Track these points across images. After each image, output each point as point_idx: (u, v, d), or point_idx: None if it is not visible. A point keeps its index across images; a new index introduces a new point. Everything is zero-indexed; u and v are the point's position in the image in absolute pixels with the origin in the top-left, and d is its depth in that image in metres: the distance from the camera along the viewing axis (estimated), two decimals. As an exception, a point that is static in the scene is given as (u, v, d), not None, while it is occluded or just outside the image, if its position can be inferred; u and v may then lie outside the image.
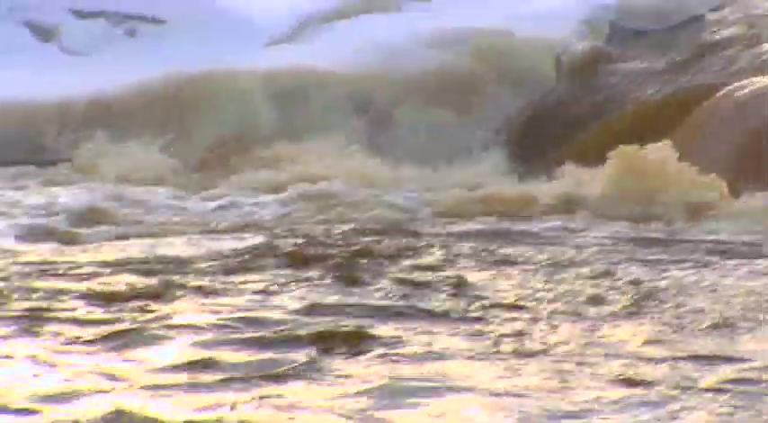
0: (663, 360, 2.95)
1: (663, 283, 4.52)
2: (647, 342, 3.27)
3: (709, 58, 9.45)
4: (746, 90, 8.25)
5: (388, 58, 9.75)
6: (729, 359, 2.98)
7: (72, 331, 3.37)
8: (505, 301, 4.08)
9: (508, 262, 5.24)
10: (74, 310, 3.78)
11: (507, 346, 3.17)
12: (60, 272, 4.75)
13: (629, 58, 9.86)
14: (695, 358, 2.96)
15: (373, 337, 3.24)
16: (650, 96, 9.08)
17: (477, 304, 3.97)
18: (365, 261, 5.14)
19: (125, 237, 6.10)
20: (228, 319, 3.53)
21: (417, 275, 4.74)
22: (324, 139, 9.15)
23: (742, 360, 2.95)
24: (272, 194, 7.85)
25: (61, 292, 4.15)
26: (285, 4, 10.57)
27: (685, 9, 10.47)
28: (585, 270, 4.90)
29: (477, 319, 3.66)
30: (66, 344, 3.20)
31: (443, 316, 3.77)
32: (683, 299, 4.13)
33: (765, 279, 4.59)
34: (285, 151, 9.07)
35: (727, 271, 4.88)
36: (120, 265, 4.89)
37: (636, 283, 4.51)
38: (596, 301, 4.06)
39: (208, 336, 3.29)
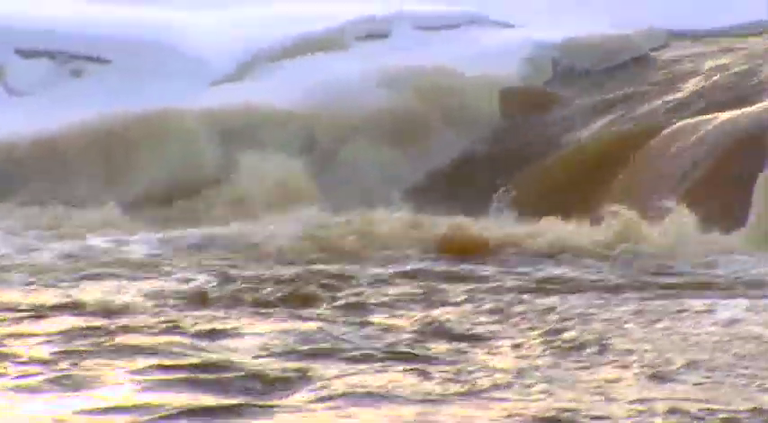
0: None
1: (603, 324, 4.55)
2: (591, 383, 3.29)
3: (652, 98, 9.56)
4: (690, 129, 8.38)
5: (335, 96, 9.75)
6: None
7: (14, 372, 3.35)
8: (443, 339, 4.11)
9: (446, 302, 5.26)
10: (16, 352, 3.75)
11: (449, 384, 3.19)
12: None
13: (572, 97, 9.98)
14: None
15: (316, 378, 3.25)
16: (593, 135, 9.16)
17: (422, 343, 4.02)
18: (304, 301, 5.16)
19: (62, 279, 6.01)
20: (172, 361, 3.52)
21: (355, 315, 4.78)
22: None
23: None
24: (215, 234, 7.77)
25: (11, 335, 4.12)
26: (232, 42, 10.51)
27: (629, 48, 10.57)
28: (524, 308, 4.95)
29: (422, 358, 3.68)
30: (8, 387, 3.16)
31: (382, 355, 3.75)
32: (628, 340, 4.15)
33: (698, 319, 4.64)
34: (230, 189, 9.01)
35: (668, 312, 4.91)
36: (56, 308, 4.88)
37: (575, 319, 4.60)
38: (538, 338, 4.11)
39: (149, 376, 3.28)
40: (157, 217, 8.74)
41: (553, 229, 7.41)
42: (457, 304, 5.23)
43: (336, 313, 4.87)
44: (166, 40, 10.69)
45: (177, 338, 4.06)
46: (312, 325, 4.43)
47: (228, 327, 4.41)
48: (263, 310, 4.91)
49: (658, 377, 3.40)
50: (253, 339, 4.09)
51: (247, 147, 9.48)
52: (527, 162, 9.18)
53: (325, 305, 5.11)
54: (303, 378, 3.25)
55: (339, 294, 5.43)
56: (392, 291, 5.61)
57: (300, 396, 3.00)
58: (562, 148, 9.14)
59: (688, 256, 6.72)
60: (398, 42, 10.69)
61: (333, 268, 6.36)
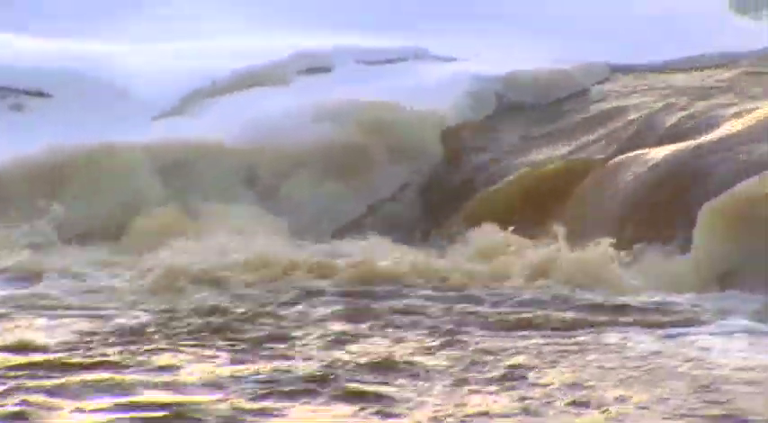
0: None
1: (531, 357, 4.60)
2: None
3: (593, 132, 9.65)
4: (630, 163, 8.45)
5: (277, 131, 9.72)
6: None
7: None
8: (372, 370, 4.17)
9: (384, 334, 5.32)
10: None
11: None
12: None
13: (514, 131, 10.06)
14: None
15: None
16: (533, 169, 9.18)
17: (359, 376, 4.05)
18: (238, 334, 5.18)
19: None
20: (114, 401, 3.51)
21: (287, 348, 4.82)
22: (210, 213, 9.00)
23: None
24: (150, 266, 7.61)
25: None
26: (174, 77, 10.47)
27: (570, 83, 10.71)
28: (444, 341, 4.99)
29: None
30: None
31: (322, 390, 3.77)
32: (548, 370, 4.24)
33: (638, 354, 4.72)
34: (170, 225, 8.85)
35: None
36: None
37: (498, 352, 4.64)
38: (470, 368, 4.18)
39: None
40: (97, 251, 8.62)
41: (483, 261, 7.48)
42: (377, 335, 5.29)
43: (270, 346, 4.86)
44: (108, 74, 10.61)
45: (111, 375, 4.01)
46: (249, 359, 4.46)
47: (165, 362, 4.39)
48: (201, 344, 4.90)
49: (583, 405, 3.49)
50: (190, 374, 4.09)
51: (188, 182, 9.42)
52: (468, 196, 9.20)
53: (258, 338, 5.11)
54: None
55: (270, 327, 5.46)
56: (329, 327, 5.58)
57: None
58: (503, 182, 9.12)
59: (628, 290, 6.74)
60: (340, 76, 10.70)
61: (265, 300, 6.43)
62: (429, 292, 6.69)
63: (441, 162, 9.77)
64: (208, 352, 4.67)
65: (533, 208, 8.47)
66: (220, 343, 4.90)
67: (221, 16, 12.07)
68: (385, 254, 7.74)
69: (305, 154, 9.61)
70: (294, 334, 5.27)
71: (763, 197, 6.89)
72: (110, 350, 4.72)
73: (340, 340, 5.07)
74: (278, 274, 7.29)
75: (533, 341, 5.03)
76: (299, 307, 6.21)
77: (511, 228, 7.77)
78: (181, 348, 4.77)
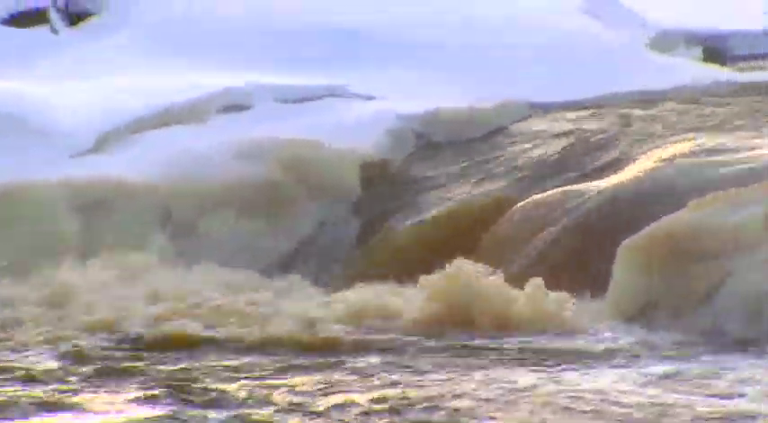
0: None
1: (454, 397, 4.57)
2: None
3: (512, 169, 9.80)
4: (550, 199, 8.61)
5: (195, 168, 9.70)
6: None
7: None
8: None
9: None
10: None
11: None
12: None
13: (433, 169, 10.11)
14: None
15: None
16: (452, 206, 9.27)
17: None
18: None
19: None
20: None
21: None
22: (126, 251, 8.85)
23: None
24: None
25: None
26: (93, 114, 10.38)
27: (490, 120, 10.88)
28: (369, 382, 4.98)
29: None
30: None
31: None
32: (482, 410, 4.23)
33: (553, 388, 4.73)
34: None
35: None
36: None
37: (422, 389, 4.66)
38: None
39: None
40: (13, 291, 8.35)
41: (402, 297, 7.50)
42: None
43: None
44: (26, 112, 10.49)
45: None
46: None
47: (72, 402, 4.37)
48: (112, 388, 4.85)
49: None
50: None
51: (106, 220, 9.32)
52: (385, 231, 9.26)
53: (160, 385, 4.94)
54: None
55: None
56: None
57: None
58: (421, 219, 9.18)
59: (546, 326, 6.78)
60: (259, 114, 10.74)
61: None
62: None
63: (360, 200, 9.83)
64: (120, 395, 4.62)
65: (452, 245, 8.34)
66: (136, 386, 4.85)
67: (139, 55, 12.03)
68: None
69: (224, 191, 9.59)
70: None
71: (680, 234, 7.02)
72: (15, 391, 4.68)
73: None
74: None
75: (465, 378, 5.07)
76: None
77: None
78: (96, 391, 4.76)
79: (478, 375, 5.18)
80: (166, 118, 10.44)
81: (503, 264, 7.66)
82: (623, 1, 14.98)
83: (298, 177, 9.78)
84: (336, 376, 5.25)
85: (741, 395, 4.48)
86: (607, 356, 5.83)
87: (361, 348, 6.18)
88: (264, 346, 6.21)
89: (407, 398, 4.48)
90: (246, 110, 10.90)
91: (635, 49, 13.58)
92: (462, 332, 6.70)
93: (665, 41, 14.39)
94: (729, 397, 4.47)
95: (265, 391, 4.71)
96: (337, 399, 4.49)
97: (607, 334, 6.52)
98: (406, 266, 8.18)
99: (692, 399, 4.41)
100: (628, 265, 7.05)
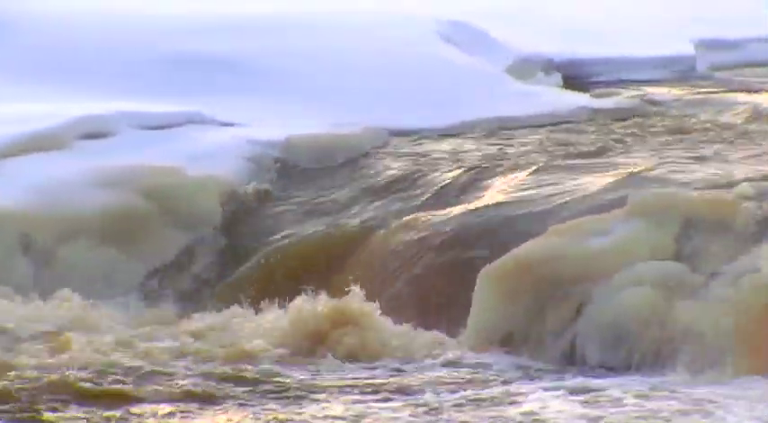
0: None
1: None
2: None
3: (372, 196, 10.05)
4: (410, 227, 8.81)
5: (55, 196, 9.65)
6: None
7: None
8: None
9: None
10: None
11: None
12: None
13: (292, 196, 10.33)
14: None
15: None
16: (311, 233, 9.47)
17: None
18: None
19: None
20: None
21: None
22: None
23: None
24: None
25: None
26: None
27: (350, 147, 11.15)
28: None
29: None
30: None
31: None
32: None
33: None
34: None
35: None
36: None
37: None
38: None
39: None
40: None
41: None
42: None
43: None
44: None
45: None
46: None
47: None
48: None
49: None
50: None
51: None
52: (245, 259, 9.40)
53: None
54: None
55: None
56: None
57: None
58: (281, 246, 9.38)
59: (405, 356, 7.01)
60: (119, 142, 10.78)
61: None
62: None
63: (220, 226, 9.92)
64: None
65: (310, 272, 8.64)
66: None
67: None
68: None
69: (84, 219, 9.57)
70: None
71: (539, 261, 7.22)
72: None
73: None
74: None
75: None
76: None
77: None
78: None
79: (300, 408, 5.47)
80: (26, 145, 10.32)
81: (363, 291, 7.71)
82: (482, 28, 15.37)
83: (158, 204, 9.81)
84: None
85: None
86: (466, 385, 6.06)
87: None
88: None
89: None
90: (107, 137, 10.89)
91: (494, 76, 14.01)
92: (311, 363, 6.87)
93: (524, 68, 14.91)
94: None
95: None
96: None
97: (467, 362, 6.73)
98: (265, 293, 8.37)
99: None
100: (488, 292, 7.18)
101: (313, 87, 12.38)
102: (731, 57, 17.60)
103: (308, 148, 11.04)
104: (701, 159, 9.89)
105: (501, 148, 11.07)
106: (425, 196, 9.69)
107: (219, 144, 10.78)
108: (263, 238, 9.69)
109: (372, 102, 12.07)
